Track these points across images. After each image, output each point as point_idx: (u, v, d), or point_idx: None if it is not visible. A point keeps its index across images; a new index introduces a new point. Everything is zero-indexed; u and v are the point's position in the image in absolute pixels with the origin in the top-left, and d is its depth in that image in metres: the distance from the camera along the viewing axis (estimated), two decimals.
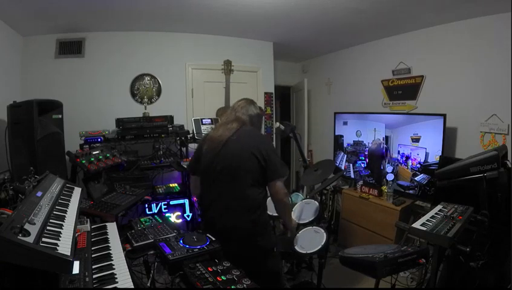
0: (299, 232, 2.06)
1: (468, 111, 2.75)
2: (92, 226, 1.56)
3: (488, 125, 2.59)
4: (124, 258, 1.25)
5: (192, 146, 3.34)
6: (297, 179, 4.90)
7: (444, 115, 2.73)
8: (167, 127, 3.08)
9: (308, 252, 1.88)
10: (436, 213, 1.69)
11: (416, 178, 2.99)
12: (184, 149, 3.24)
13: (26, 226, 0.89)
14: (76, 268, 1.05)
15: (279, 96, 5.15)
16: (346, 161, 3.78)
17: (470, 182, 1.65)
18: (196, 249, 1.34)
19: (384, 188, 3.14)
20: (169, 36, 3.57)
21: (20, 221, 0.90)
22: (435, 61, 3.03)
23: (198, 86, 3.77)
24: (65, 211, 1.24)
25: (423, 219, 1.63)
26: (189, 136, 3.23)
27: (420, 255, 1.58)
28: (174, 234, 1.66)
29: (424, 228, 1.51)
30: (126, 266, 1.18)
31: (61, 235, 1.01)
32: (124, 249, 1.38)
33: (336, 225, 3.57)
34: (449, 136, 2.78)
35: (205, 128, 3.34)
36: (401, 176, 3.15)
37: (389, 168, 3.24)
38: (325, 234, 1.94)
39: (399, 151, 3.16)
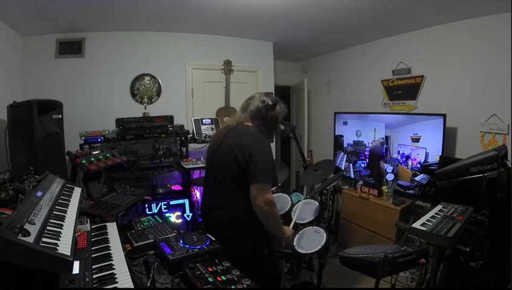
0: (299, 232, 2.06)
1: (468, 111, 2.75)
2: (92, 226, 1.56)
3: (488, 125, 2.59)
4: (124, 258, 1.25)
5: (192, 146, 3.35)
6: (297, 179, 4.90)
7: (444, 115, 2.73)
8: (167, 127, 3.08)
9: (308, 252, 1.88)
10: (436, 213, 1.69)
11: (416, 178, 2.99)
12: (184, 149, 3.24)
13: (26, 226, 0.89)
14: (76, 268, 1.05)
15: (279, 96, 5.13)
16: (346, 161, 3.78)
17: (470, 182, 1.65)
18: (196, 249, 1.34)
19: (384, 188, 3.14)
20: (169, 36, 3.57)
21: (20, 221, 0.90)
22: (435, 61, 3.03)
23: (198, 86, 3.77)
24: (65, 211, 1.24)
25: (423, 219, 1.63)
26: (189, 136, 3.23)
27: (420, 255, 1.58)
28: (174, 234, 1.66)
29: (424, 228, 1.51)
30: (126, 266, 1.18)
31: (61, 235, 1.00)
32: (124, 249, 1.38)
33: (336, 225, 3.57)
34: (449, 136, 2.78)
35: (205, 128, 3.34)
36: (401, 176, 3.15)
37: (389, 168, 3.24)
38: (325, 234, 1.93)
39: (399, 151, 3.16)
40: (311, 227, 2.07)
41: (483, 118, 2.62)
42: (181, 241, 1.42)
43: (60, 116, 2.58)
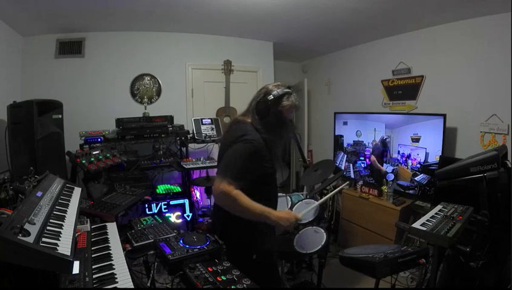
0: (299, 232, 2.06)
1: (468, 111, 2.75)
2: (92, 226, 1.56)
3: (488, 125, 2.59)
4: (124, 258, 1.25)
5: (192, 146, 3.35)
6: (297, 179, 4.90)
7: (444, 115, 2.73)
8: (167, 127, 3.08)
9: (308, 252, 1.88)
10: (436, 213, 1.69)
11: (416, 178, 2.99)
12: (184, 149, 3.24)
13: (26, 226, 0.89)
14: (76, 268, 1.05)
15: None
16: (346, 161, 3.78)
17: (470, 182, 1.65)
18: (196, 249, 1.34)
19: (384, 188, 3.14)
20: (169, 36, 3.57)
21: (20, 221, 0.90)
22: (435, 61, 3.03)
23: (198, 86, 3.77)
24: (65, 211, 1.24)
25: (423, 219, 1.62)
26: (189, 136, 3.23)
27: (420, 255, 1.58)
28: (174, 234, 1.66)
29: (424, 228, 1.51)
30: (126, 266, 1.18)
31: (61, 235, 1.00)
32: (124, 249, 1.38)
33: (336, 225, 3.57)
34: (449, 136, 2.78)
35: (205, 128, 3.34)
36: (401, 176, 3.15)
37: (389, 168, 3.24)
38: (325, 234, 1.94)
39: (399, 151, 3.16)
40: (311, 227, 2.07)
41: (483, 118, 2.62)
42: (181, 241, 1.42)
43: (60, 116, 2.58)
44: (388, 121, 3.30)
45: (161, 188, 3.18)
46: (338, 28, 3.25)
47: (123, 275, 1.10)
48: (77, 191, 1.55)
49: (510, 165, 1.75)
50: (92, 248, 1.31)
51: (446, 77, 2.94)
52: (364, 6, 2.60)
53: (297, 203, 2.39)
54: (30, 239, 0.85)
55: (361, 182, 3.43)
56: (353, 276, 2.45)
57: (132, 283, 1.07)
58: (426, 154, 2.90)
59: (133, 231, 1.77)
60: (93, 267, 1.13)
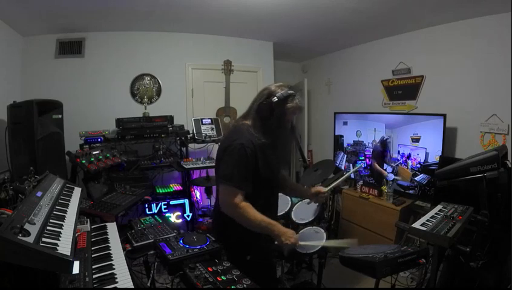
0: (299, 232, 2.06)
1: (468, 111, 2.75)
2: (92, 226, 1.56)
3: (488, 125, 2.59)
4: (124, 258, 1.25)
5: (192, 146, 3.35)
6: (297, 179, 4.90)
7: (444, 115, 2.73)
8: (167, 127, 3.08)
9: (308, 252, 1.88)
10: (436, 213, 1.69)
11: (416, 178, 2.99)
12: (184, 149, 3.24)
13: (26, 226, 0.89)
14: (76, 268, 1.05)
15: None
16: (346, 160, 3.78)
17: (470, 182, 1.65)
18: (196, 249, 1.34)
19: (384, 188, 3.14)
20: (169, 36, 3.57)
21: (20, 221, 0.90)
22: (435, 61, 3.03)
23: (198, 86, 3.77)
24: (65, 211, 1.24)
25: (423, 219, 1.63)
26: (189, 136, 3.23)
27: (420, 255, 1.58)
28: (174, 234, 1.66)
29: (424, 228, 1.51)
30: (126, 266, 1.18)
31: (61, 235, 1.00)
32: (124, 249, 1.38)
33: (336, 225, 3.58)
34: (449, 136, 2.78)
35: (205, 128, 3.34)
36: (401, 176, 3.15)
37: (389, 168, 3.24)
38: (325, 234, 1.94)
39: (399, 151, 3.16)
40: (311, 227, 2.07)
41: (483, 118, 2.62)
42: (181, 241, 1.42)
43: (60, 116, 2.58)
44: (388, 121, 3.30)
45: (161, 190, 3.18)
46: (338, 28, 3.25)
47: (123, 275, 1.10)
48: (77, 191, 1.55)
49: (510, 165, 1.76)
50: (92, 248, 1.30)
51: (446, 77, 2.94)
52: (364, 6, 2.60)
53: (297, 203, 2.40)
54: (30, 239, 0.85)
55: (361, 182, 3.43)
56: (353, 276, 2.44)
57: (132, 283, 1.07)
58: (426, 154, 2.90)
59: (133, 231, 1.77)
60: (93, 267, 1.13)
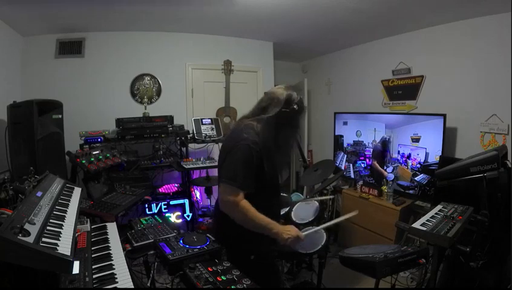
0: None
1: (468, 111, 2.74)
2: (92, 226, 1.56)
3: (488, 125, 2.59)
4: (124, 258, 1.25)
5: (192, 146, 3.35)
6: (297, 179, 4.90)
7: (444, 115, 2.73)
8: (167, 127, 3.08)
9: (308, 252, 1.88)
10: (436, 213, 1.69)
11: (416, 178, 2.99)
12: (184, 149, 3.24)
13: (26, 226, 0.89)
14: (76, 268, 1.05)
15: None
16: (346, 161, 3.78)
17: (470, 182, 1.65)
18: (196, 249, 1.34)
19: (384, 188, 3.14)
20: (169, 36, 3.57)
21: (20, 221, 0.90)
22: (435, 61, 3.03)
23: (198, 86, 3.77)
24: (65, 211, 1.24)
25: (423, 219, 1.63)
26: (189, 136, 3.23)
27: (420, 255, 1.58)
28: (174, 234, 1.66)
29: (424, 228, 1.51)
30: (126, 266, 1.18)
31: (61, 235, 1.00)
32: (124, 249, 1.38)
33: (336, 225, 3.57)
34: (449, 136, 2.78)
35: (205, 128, 3.34)
36: (401, 176, 3.15)
37: (389, 168, 3.24)
38: (325, 234, 1.94)
39: (399, 151, 3.16)
40: (311, 227, 2.07)
41: (483, 118, 2.62)
42: (181, 241, 1.42)
43: (60, 116, 2.58)
44: (388, 121, 3.30)
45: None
46: (338, 28, 3.25)
47: (123, 275, 1.10)
48: (77, 191, 1.55)
49: (510, 165, 1.75)
50: (92, 248, 1.31)
51: (446, 77, 2.94)
52: (364, 6, 2.60)
53: (297, 203, 2.39)
54: (30, 239, 0.85)
55: (361, 182, 3.43)
56: (353, 276, 2.44)
57: (132, 283, 1.07)
58: (426, 154, 2.90)
59: (133, 231, 1.77)
60: (93, 267, 1.13)
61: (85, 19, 2.97)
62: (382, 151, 3.34)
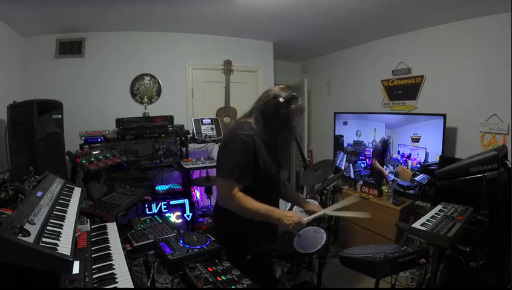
0: (299, 232, 2.05)
1: (468, 111, 2.75)
2: (92, 226, 1.56)
3: (488, 125, 2.59)
4: (124, 258, 1.25)
5: (192, 146, 3.35)
6: (297, 179, 4.90)
7: (444, 115, 2.73)
8: (167, 127, 3.08)
9: (308, 252, 1.88)
10: (436, 213, 1.69)
11: (416, 178, 2.99)
12: (184, 149, 3.24)
13: (26, 226, 0.89)
14: (76, 268, 1.05)
15: None
16: (346, 161, 3.78)
17: (470, 182, 1.65)
18: (196, 249, 1.34)
19: (384, 188, 3.14)
20: (169, 36, 3.57)
21: (20, 221, 0.90)
22: (435, 61, 3.03)
23: (198, 86, 3.77)
24: (65, 211, 1.24)
25: (423, 219, 1.63)
26: (189, 136, 3.23)
27: (420, 255, 1.58)
28: (174, 234, 1.66)
29: (424, 228, 1.51)
30: (126, 266, 1.18)
31: (61, 235, 1.00)
32: (124, 249, 1.38)
33: (336, 225, 3.57)
34: (449, 136, 2.78)
35: (205, 128, 3.34)
36: (401, 176, 3.15)
37: (389, 168, 3.24)
38: (325, 234, 1.93)
39: (399, 151, 3.16)
40: (311, 227, 2.06)
41: (483, 118, 2.62)
42: (181, 241, 1.42)
43: (60, 116, 2.58)
44: (388, 121, 3.30)
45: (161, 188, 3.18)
46: (338, 28, 3.25)
47: (123, 275, 1.10)
48: (77, 191, 1.55)
49: (510, 165, 1.75)
50: (92, 248, 1.30)
51: (446, 77, 2.94)
52: (364, 6, 2.60)
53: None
54: (30, 239, 0.85)
55: (361, 182, 3.43)
56: (353, 276, 2.44)
57: (132, 283, 1.07)
58: (426, 154, 2.90)
59: (133, 231, 1.77)
60: (93, 267, 1.13)
61: (85, 19, 2.97)
62: (382, 151, 3.34)
